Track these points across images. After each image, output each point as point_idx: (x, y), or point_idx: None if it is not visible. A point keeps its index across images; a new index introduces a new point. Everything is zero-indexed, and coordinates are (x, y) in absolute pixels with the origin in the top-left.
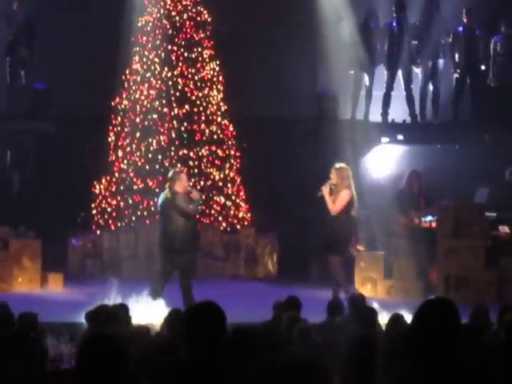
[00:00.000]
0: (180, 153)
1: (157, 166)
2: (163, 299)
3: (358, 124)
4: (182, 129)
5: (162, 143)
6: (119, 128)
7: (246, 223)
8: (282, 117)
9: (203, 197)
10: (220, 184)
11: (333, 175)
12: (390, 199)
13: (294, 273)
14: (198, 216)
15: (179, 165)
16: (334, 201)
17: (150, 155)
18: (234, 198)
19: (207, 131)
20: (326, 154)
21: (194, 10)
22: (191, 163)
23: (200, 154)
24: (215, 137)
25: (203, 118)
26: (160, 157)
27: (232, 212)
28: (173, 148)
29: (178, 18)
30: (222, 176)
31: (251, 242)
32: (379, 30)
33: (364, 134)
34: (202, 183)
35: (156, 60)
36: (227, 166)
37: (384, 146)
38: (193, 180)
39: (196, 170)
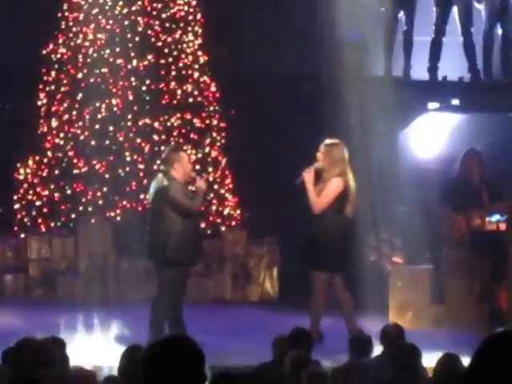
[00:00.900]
0: (140, 122)
1: (107, 142)
2: (117, 331)
3: (395, 83)
4: (144, 88)
5: (115, 109)
6: (53, 87)
7: (233, 223)
8: (286, 73)
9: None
10: (197, 167)
11: (320, 155)
12: (440, 191)
13: (300, 295)
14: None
15: (139, 140)
16: (320, 192)
17: (96, 126)
18: (216, 187)
19: (179, 92)
20: (346, 126)
21: None
22: (156, 137)
23: (169, 124)
24: (190, 100)
25: (174, 73)
26: (111, 128)
27: (214, 208)
28: (130, 116)
29: None
30: (199, 156)
31: (241, 251)
32: None
33: (403, 97)
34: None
35: None
36: (207, 141)
37: (432, 115)
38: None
39: (162, 148)
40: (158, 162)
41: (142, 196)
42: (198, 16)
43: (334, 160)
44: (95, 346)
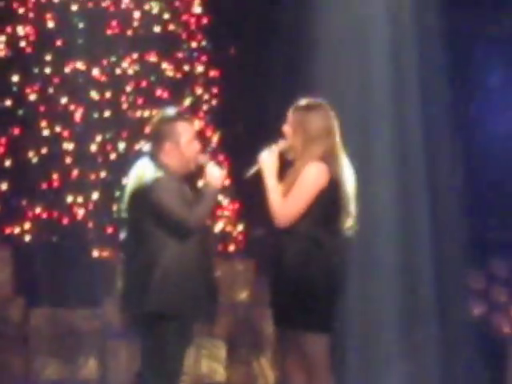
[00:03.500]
0: (67, 69)
1: (7, 103)
2: None
3: None
4: (74, 9)
5: (22, 44)
6: None
7: (232, 248)
8: None
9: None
10: None
11: (289, 128)
12: None
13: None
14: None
15: (64, 100)
16: (287, 190)
17: None
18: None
19: (137, 15)
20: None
21: None
22: (95, 95)
23: (118, 71)
24: (157, 30)
25: None
26: (16, 79)
27: None
28: (49, 57)
29: None
30: None
31: (245, 297)
32: None
33: None
34: (120, 147)
35: None
36: (187, 103)
37: None
38: (99, 139)
39: (108, 114)
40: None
41: (69, 199)
42: None
43: (311, 134)
44: None
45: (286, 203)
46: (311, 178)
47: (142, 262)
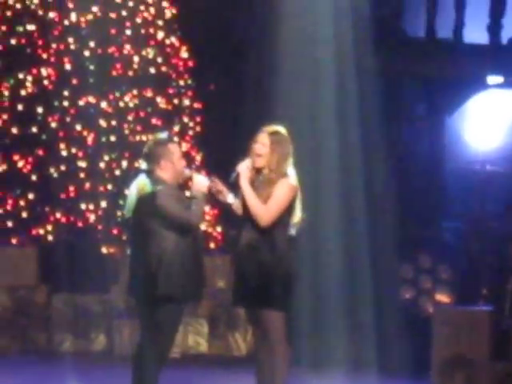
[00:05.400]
0: (81, 102)
1: (34, 130)
2: None
3: (441, 48)
4: (86, 54)
5: (46, 83)
6: None
7: (212, 246)
8: (286, 31)
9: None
10: None
11: (262, 147)
12: (506, 200)
13: (308, 349)
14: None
15: (79, 127)
16: (265, 199)
17: (19, 107)
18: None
19: (136, 60)
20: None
21: None
22: (103, 123)
23: (122, 104)
24: (152, 71)
25: (128, 32)
26: (41, 110)
27: None
28: (67, 93)
29: None
30: None
31: (223, 285)
32: None
33: (453, 67)
34: (123, 165)
35: None
36: (176, 129)
37: (493, 93)
38: (106, 159)
39: (113, 138)
40: (140, 159)
41: (82, 206)
42: None
43: (281, 153)
44: None
45: (270, 209)
46: (286, 190)
47: (149, 255)
